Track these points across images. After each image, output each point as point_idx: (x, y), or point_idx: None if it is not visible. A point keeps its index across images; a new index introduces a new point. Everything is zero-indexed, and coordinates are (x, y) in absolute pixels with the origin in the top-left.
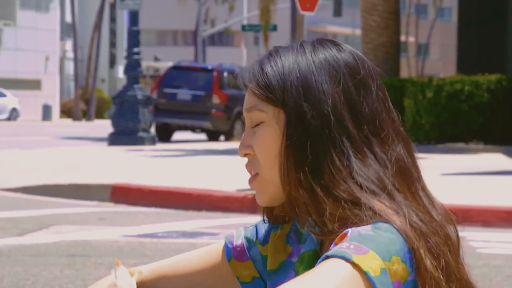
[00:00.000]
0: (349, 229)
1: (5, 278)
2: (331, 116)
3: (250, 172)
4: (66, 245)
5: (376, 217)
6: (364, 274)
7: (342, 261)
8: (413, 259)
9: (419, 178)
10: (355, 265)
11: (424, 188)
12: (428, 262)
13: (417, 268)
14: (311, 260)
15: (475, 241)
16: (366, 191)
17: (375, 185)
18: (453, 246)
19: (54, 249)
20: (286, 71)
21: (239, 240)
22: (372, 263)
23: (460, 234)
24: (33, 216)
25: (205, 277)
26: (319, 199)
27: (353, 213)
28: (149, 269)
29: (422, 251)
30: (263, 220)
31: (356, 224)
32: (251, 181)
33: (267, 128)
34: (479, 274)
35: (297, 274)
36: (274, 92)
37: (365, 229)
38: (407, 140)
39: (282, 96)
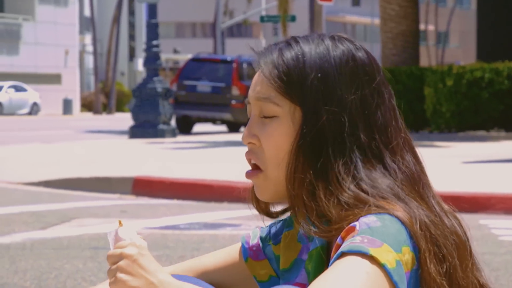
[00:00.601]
0: (356, 222)
1: (28, 271)
2: (347, 123)
3: (249, 161)
4: (88, 238)
5: (378, 209)
6: (382, 266)
7: (360, 257)
8: (416, 243)
9: (429, 186)
10: (372, 259)
11: (434, 196)
12: (432, 267)
13: (421, 270)
14: (319, 257)
15: (497, 228)
16: (373, 196)
17: (386, 192)
18: (463, 252)
19: (77, 242)
20: (308, 67)
21: (255, 240)
22: (388, 256)
23: (472, 243)
24: (55, 210)
25: (225, 277)
26: (319, 201)
27: (353, 212)
28: (170, 270)
29: (427, 254)
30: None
31: (358, 215)
32: (251, 175)
33: (281, 124)
34: (501, 262)
35: (307, 271)
36: (294, 88)
37: (372, 221)
38: (414, 148)
39: (302, 94)
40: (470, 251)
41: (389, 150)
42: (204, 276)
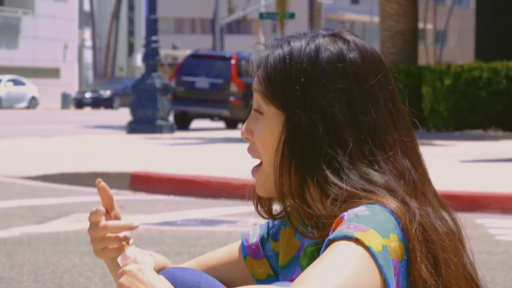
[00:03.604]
0: (345, 213)
1: (25, 265)
2: (329, 126)
3: (252, 157)
4: (85, 233)
5: (369, 201)
6: (367, 249)
7: (346, 241)
8: (407, 241)
9: (428, 186)
10: (358, 242)
11: (432, 196)
12: (423, 267)
13: (410, 266)
14: (313, 253)
15: (494, 228)
16: (364, 191)
17: (379, 188)
18: (458, 252)
19: (74, 237)
20: (293, 71)
21: (254, 239)
22: (374, 240)
23: (468, 243)
24: (52, 204)
25: (226, 274)
26: (309, 201)
27: (344, 207)
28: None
29: (418, 253)
30: (259, 214)
31: (349, 208)
32: (255, 172)
33: (267, 123)
34: (498, 261)
35: (301, 267)
36: (277, 95)
37: (361, 210)
38: (413, 149)
39: (283, 100)
40: (465, 251)
41: (382, 152)
42: (207, 272)
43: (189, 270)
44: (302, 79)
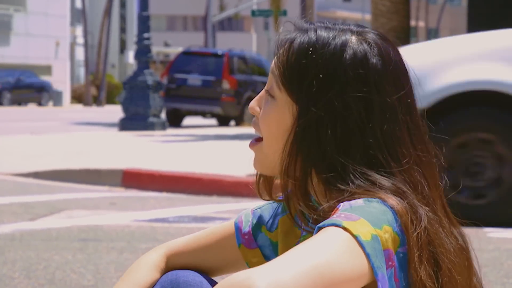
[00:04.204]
0: (341, 204)
1: (17, 262)
2: (333, 131)
3: (256, 131)
4: (77, 229)
5: (369, 195)
6: (355, 238)
7: (334, 227)
8: (405, 237)
9: (440, 205)
10: (346, 230)
11: (447, 213)
12: (422, 269)
13: (408, 266)
14: None
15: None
16: (367, 189)
17: (384, 187)
18: (463, 261)
19: (66, 234)
20: (313, 65)
21: (246, 228)
22: (363, 229)
23: (475, 258)
24: (44, 201)
25: (218, 258)
26: (312, 193)
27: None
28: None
29: (416, 254)
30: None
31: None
32: (253, 145)
33: (277, 109)
34: (489, 258)
35: None
36: (293, 85)
37: (357, 202)
38: (429, 167)
39: (298, 91)
40: (472, 269)
41: (397, 164)
42: (199, 254)
43: (192, 271)
44: (321, 75)
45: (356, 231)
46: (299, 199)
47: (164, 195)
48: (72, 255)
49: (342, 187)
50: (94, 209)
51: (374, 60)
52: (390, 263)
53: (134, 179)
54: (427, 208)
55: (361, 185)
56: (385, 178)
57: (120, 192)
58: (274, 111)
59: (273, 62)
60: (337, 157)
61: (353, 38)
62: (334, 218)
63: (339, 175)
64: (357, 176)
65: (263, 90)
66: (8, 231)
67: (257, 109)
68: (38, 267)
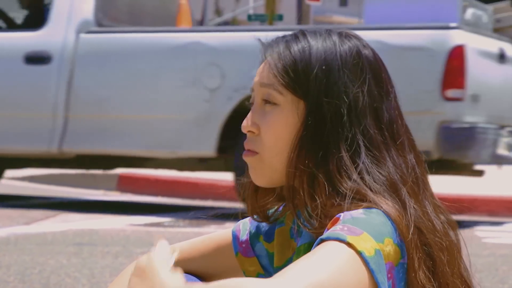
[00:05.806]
0: (341, 213)
1: (12, 266)
2: (350, 116)
3: (249, 149)
4: (72, 234)
5: (368, 205)
6: (359, 254)
7: (338, 243)
8: (404, 245)
9: (427, 187)
10: (350, 245)
11: (432, 196)
12: (421, 273)
13: (408, 274)
14: (306, 251)
15: (481, 230)
16: (373, 191)
17: (384, 187)
18: (453, 254)
19: (61, 238)
20: (313, 60)
21: (244, 236)
22: (366, 244)
23: (462, 243)
24: (40, 205)
25: (214, 265)
26: (317, 195)
27: (345, 208)
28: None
29: (415, 258)
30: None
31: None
32: (247, 155)
33: (282, 114)
34: (485, 264)
35: None
36: (298, 81)
37: (357, 212)
38: (417, 150)
39: (306, 87)
40: (460, 253)
41: (395, 146)
42: (195, 260)
43: (187, 275)
44: (324, 67)
45: (360, 247)
46: (304, 190)
47: (159, 199)
48: (67, 259)
49: (349, 180)
50: (89, 213)
51: (365, 51)
52: (389, 275)
53: (129, 183)
54: (414, 201)
55: (367, 178)
56: (390, 165)
57: (115, 196)
58: (280, 116)
59: (259, 75)
60: (353, 139)
61: (341, 37)
62: (338, 231)
63: (351, 158)
64: (367, 162)
65: (255, 106)
66: (3, 235)
67: (255, 126)
68: (33, 271)
